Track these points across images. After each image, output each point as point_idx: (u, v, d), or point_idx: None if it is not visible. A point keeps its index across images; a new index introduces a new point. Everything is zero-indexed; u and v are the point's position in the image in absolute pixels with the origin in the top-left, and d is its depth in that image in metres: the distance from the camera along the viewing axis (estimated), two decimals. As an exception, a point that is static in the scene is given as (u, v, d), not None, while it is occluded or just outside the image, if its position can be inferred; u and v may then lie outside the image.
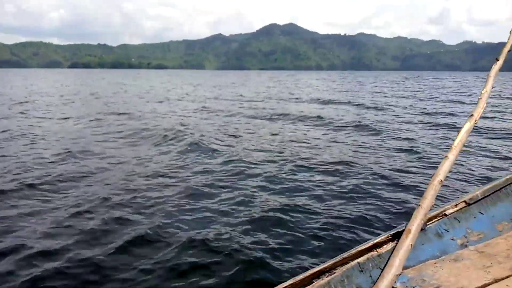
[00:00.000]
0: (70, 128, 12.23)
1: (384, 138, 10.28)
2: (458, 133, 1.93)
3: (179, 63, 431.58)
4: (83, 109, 17.42)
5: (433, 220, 1.72)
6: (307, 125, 13.04)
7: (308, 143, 9.74)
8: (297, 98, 24.32)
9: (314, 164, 7.45)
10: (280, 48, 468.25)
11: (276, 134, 11.18)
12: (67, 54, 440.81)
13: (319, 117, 14.58)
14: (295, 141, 10.05)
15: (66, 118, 14.23)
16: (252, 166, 7.34)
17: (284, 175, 6.72)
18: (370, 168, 7.08)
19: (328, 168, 7.11)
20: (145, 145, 9.58)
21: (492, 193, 1.85)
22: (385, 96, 26.31)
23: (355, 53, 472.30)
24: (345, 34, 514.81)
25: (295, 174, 6.78)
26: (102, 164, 7.40)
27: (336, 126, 12.55)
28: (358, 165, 7.25)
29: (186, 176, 6.59)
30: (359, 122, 13.00)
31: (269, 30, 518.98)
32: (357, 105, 19.79)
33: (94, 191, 5.68)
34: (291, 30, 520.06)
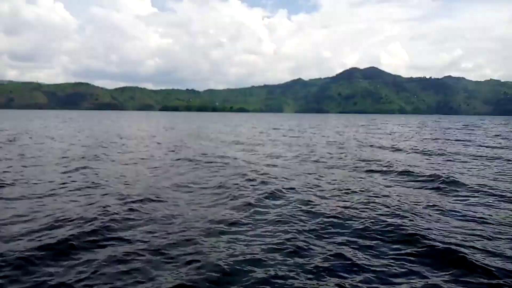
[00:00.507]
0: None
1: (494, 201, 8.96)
2: None
3: (259, 107, 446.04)
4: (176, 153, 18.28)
5: None
6: (394, 179, 12.00)
7: (396, 205, 8.61)
8: (380, 146, 23.11)
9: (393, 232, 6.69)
10: (360, 91, 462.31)
11: (360, 189, 10.34)
12: (159, 98, 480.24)
13: (406, 171, 13.09)
14: (379, 196, 9.32)
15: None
16: (336, 221, 7.19)
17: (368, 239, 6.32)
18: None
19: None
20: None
21: None
22: (487, 146, 23.48)
23: (441, 96, 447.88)
24: (430, 77, 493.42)
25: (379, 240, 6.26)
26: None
27: (423, 182, 11.38)
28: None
29: (269, 224, 6.52)
30: (449, 177, 11.63)
31: (349, 74, 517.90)
32: (446, 155, 18.05)
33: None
34: (372, 73, 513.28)
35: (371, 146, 23.49)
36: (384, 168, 13.89)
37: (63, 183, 10.54)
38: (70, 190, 9.67)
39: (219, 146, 23.13)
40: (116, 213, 7.46)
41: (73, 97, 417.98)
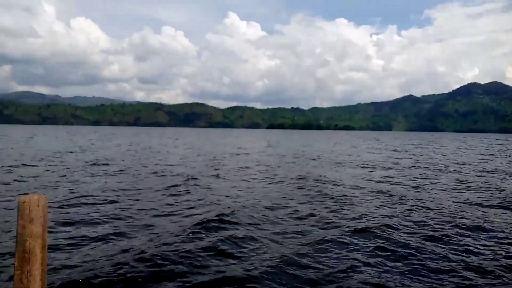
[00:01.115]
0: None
1: None
2: None
3: (366, 124, 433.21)
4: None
5: None
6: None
7: None
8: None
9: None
10: (481, 109, 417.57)
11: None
12: (266, 116, 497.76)
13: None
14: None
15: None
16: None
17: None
18: None
19: None
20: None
21: None
22: None
23: None
24: None
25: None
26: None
27: None
28: None
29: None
30: None
31: (468, 90, 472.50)
32: None
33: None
34: (496, 89, 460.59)
35: None
36: None
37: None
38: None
39: (331, 167, 22.00)
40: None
41: (190, 116, 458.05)
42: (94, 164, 19.63)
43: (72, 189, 11.90)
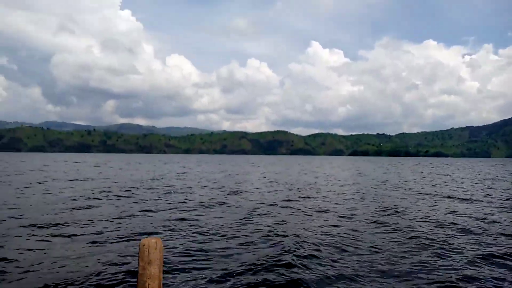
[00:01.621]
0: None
1: None
2: None
3: (460, 151, 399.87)
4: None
5: None
6: None
7: None
8: None
9: None
10: None
11: None
12: (349, 143, 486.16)
13: None
14: None
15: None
16: None
17: None
18: None
19: None
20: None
21: None
22: None
23: None
24: None
25: None
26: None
27: None
28: None
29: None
30: None
31: None
32: None
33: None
34: None
35: None
36: None
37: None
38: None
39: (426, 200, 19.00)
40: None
41: (272, 143, 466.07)
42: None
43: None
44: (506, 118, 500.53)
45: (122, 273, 6.98)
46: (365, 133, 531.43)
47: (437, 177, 39.49)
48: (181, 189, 23.28)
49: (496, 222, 12.70)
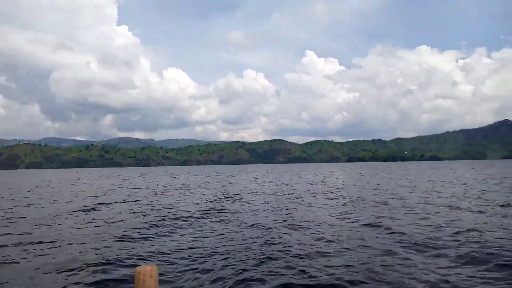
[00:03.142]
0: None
1: None
2: None
3: (455, 154, 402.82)
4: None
5: None
6: None
7: None
8: None
9: None
10: None
11: None
12: (345, 150, 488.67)
13: None
14: None
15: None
16: None
17: None
18: None
19: None
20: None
21: None
22: None
23: None
24: None
25: None
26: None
27: None
28: None
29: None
30: None
31: None
32: None
33: None
34: None
35: None
36: None
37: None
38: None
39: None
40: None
41: (269, 152, 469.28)
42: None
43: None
44: (501, 120, 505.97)
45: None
46: (362, 139, 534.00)
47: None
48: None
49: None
